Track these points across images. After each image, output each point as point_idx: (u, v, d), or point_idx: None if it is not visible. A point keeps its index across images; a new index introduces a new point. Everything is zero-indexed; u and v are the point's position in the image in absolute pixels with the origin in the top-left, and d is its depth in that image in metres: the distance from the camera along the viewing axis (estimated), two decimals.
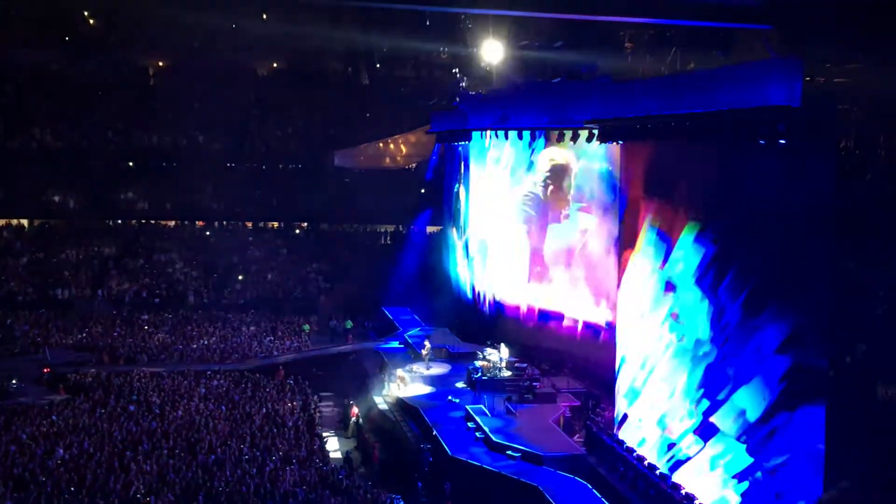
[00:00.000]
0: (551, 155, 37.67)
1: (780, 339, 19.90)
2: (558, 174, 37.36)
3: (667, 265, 25.00)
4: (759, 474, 20.64)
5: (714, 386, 22.58)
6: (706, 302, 22.90)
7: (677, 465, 24.13)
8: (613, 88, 29.23)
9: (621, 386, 27.87)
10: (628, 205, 27.65)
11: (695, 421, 23.44)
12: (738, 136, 20.79)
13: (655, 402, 25.63)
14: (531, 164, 38.52)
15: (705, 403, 22.93)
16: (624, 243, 28.09)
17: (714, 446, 22.57)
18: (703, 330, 23.04)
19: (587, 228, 35.98)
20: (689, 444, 23.69)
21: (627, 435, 27.01)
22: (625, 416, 27.49)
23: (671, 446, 24.59)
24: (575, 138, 32.32)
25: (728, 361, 21.95)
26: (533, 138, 35.79)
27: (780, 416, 19.92)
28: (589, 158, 35.45)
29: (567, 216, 37.12)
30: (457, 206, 47.08)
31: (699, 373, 23.25)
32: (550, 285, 38.06)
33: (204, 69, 61.38)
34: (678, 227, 24.47)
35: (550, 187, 37.84)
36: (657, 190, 25.76)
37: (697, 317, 23.32)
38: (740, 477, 21.37)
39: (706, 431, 22.91)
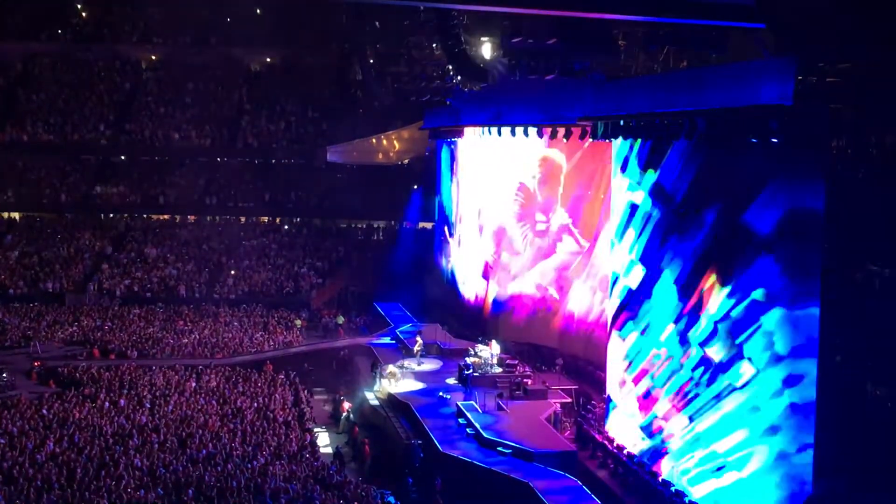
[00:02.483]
0: (543, 153, 37.82)
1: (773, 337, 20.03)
2: (550, 172, 37.54)
3: (654, 260, 25.13)
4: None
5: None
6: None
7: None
8: (607, 86, 29.26)
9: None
10: (620, 202, 27.75)
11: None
12: (730, 134, 20.85)
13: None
14: (521, 161, 38.68)
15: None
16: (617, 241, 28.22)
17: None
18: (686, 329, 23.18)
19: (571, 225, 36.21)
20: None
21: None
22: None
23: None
24: (568, 135, 32.35)
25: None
26: (525, 135, 35.80)
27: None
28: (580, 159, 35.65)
29: (554, 213, 37.32)
30: (448, 202, 47.12)
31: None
32: (540, 281, 38.13)
33: (196, 63, 61.34)
34: (672, 225, 24.60)
35: (540, 184, 37.98)
36: (651, 188, 25.84)
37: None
38: None
39: None
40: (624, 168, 27.60)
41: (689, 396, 23.38)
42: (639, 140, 25.91)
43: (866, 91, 18.50)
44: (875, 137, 18.48)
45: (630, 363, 26.89)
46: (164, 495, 23.27)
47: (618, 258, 28.10)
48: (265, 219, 58.08)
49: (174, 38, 62.78)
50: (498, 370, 34.03)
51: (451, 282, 46.52)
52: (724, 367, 21.84)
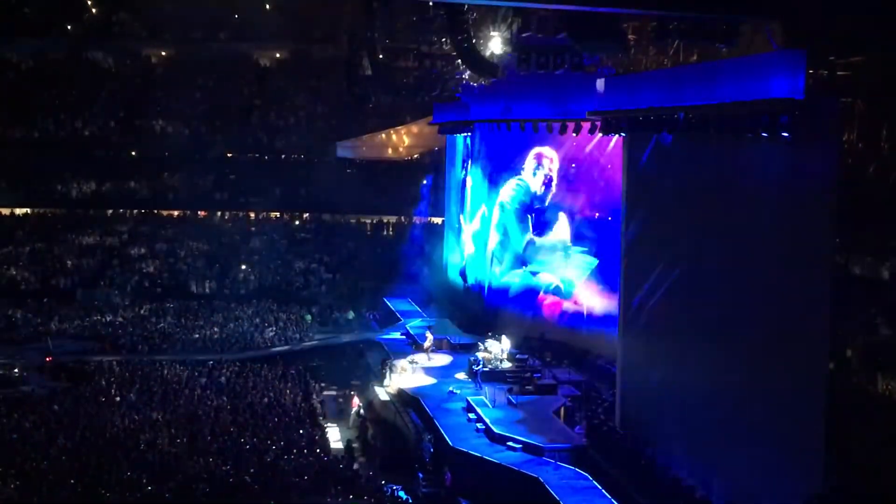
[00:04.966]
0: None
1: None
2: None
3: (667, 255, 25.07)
4: None
5: None
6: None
7: None
8: (616, 80, 29.19)
9: None
10: (626, 199, 27.68)
11: None
12: (740, 128, 20.77)
13: None
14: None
15: None
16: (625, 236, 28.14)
17: None
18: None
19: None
20: None
21: None
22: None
23: None
24: (577, 130, 32.28)
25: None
26: (535, 130, 35.80)
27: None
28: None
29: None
30: (458, 197, 47.09)
31: None
32: (550, 274, 38.19)
33: (206, 59, 61.51)
34: (678, 220, 24.52)
35: (542, 177, 38.10)
36: (658, 183, 25.76)
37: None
38: None
39: None
40: (634, 162, 27.51)
41: None
42: (648, 134, 25.82)
43: (877, 85, 18.45)
44: (886, 131, 18.43)
45: None
46: (174, 490, 23.34)
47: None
48: (275, 214, 58.16)
49: (183, 33, 62.94)
50: (508, 365, 34.02)
51: (462, 275, 46.50)
52: None
